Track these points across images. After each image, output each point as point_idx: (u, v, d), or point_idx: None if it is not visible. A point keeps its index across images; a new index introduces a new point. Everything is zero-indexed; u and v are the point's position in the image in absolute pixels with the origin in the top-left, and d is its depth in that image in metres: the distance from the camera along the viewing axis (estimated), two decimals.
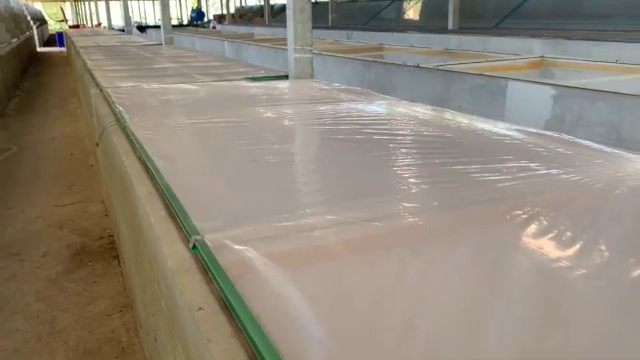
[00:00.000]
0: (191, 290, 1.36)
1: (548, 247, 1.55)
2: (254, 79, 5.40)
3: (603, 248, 1.53)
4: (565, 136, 2.78)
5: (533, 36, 9.15)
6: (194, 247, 1.54)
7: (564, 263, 1.46)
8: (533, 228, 1.66)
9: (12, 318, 3.21)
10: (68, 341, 2.98)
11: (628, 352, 1.11)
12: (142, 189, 2.14)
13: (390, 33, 12.97)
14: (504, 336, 1.13)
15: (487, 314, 1.21)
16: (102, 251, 4.14)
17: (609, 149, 2.44)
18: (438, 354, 1.08)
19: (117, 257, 3.98)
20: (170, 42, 11.25)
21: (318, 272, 1.41)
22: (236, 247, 1.50)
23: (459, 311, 1.23)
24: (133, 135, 2.88)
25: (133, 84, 4.95)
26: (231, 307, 1.24)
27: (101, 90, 4.69)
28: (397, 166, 2.36)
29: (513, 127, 3.05)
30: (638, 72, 5.02)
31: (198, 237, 1.57)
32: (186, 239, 1.62)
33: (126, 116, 3.34)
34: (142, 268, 2.27)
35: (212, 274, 1.39)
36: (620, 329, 1.18)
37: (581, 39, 8.33)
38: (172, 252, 1.57)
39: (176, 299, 1.45)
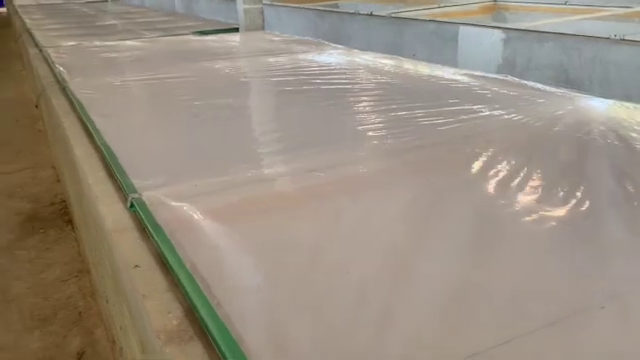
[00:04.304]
0: (127, 248, 1.34)
1: (485, 187, 1.58)
2: (203, 32, 5.23)
3: (536, 185, 1.57)
4: (511, 78, 2.80)
5: None
6: (132, 205, 1.51)
7: (499, 202, 1.50)
8: (472, 169, 1.68)
9: None
10: (22, 309, 2.93)
11: (551, 283, 1.15)
12: (81, 150, 2.07)
13: None
14: (432, 274, 1.15)
15: (419, 256, 1.23)
16: (54, 217, 4.03)
17: (551, 88, 2.48)
18: (368, 295, 1.10)
19: (70, 222, 3.89)
20: None
21: (256, 224, 1.41)
22: (174, 204, 1.48)
23: (393, 254, 1.25)
24: (73, 95, 2.77)
25: (75, 43, 4.74)
26: (166, 262, 1.23)
27: (40, 50, 4.47)
28: (344, 115, 2.34)
29: (460, 72, 3.06)
30: (586, 13, 5.07)
31: (135, 195, 1.54)
32: (125, 199, 1.58)
33: (66, 76, 3.21)
34: (88, 230, 2.22)
35: (149, 231, 1.37)
36: (544, 263, 1.22)
37: None
38: (109, 212, 1.54)
39: (115, 258, 1.43)
